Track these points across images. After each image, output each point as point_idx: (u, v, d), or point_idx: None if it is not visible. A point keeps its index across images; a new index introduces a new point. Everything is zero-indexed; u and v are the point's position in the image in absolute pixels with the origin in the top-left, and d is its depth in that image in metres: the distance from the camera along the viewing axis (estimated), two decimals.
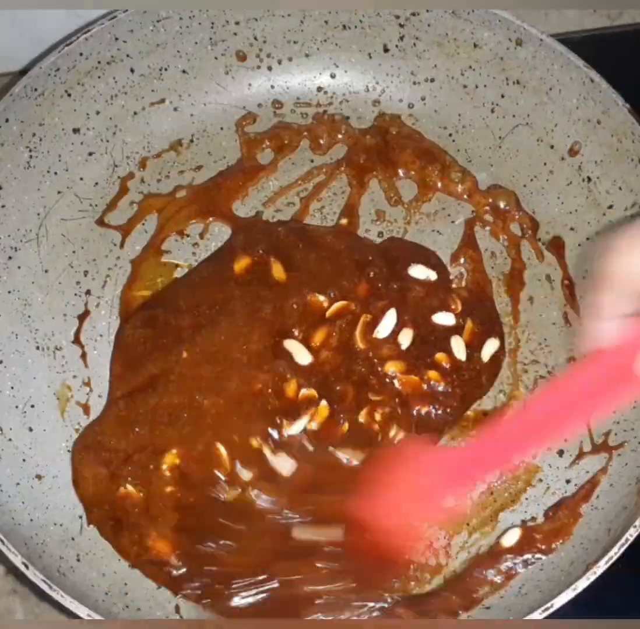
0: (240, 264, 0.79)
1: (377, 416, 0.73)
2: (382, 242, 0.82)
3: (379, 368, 0.75)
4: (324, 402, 0.73)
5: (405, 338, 0.76)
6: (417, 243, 0.82)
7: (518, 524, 0.72)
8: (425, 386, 0.75)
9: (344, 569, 0.69)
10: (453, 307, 0.78)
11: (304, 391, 0.74)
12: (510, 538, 0.72)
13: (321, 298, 0.78)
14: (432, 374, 0.75)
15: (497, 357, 0.78)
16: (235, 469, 0.72)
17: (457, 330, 0.77)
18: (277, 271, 0.79)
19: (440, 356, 0.76)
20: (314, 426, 0.73)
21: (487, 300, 0.80)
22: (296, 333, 0.76)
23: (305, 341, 0.76)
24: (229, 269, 0.79)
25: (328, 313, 0.77)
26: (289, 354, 0.75)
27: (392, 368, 0.75)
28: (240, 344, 0.76)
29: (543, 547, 0.71)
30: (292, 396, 0.74)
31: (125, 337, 0.78)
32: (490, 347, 0.77)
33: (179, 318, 0.77)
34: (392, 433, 0.73)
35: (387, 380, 0.75)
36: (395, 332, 0.76)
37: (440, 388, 0.75)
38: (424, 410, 0.74)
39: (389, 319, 0.77)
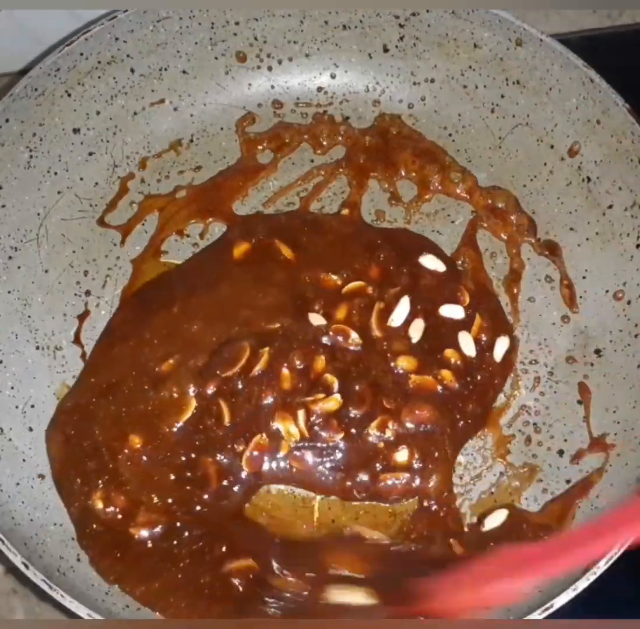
0: (240, 249, 0.79)
1: (388, 432, 0.73)
2: (389, 229, 0.83)
3: (392, 364, 0.75)
4: (338, 396, 0.73)
5: (416, 331, 0.76)
6: (423, 235, 0.82)
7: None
8: (439, 388, 0.74)
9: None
10: (461, 298, 0.78)
11: (327, 376, 0.73)
12: (496, 519, 0.72)
13: (334, 277, 0.78)
14: (445, 373, 0.75)
15: (508, 356, 0.77)
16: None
17: (465, 325, 0.77)
18: (285, 250, 0.79)
19: (449, 352, 0.75)
20: (317, 411, 0.72)
21: (492, 296, 0.80)
22: (317, 307, 0.76)
23: (327, 317, 0.76)
24: (228, 254, 0.79)
25: (344, 290, 0.77)
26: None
27: (404, 363, 0.74)
28: (251, 299, 0.75)
29: (531, 537, 0.70)
30: (319, 371, 0.73)
31: (113, 323, 0.78)
32: (501, 346, 0.77)
33: (171, 302, 0.78)
34: (398, 456, 0.72)
35: (401, 380, 0.74)
36: (407, 322, 0.76)
37: (456, 387, 0.74)
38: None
39: (403, 307, 0.76)
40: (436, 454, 0.72)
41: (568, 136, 0.81)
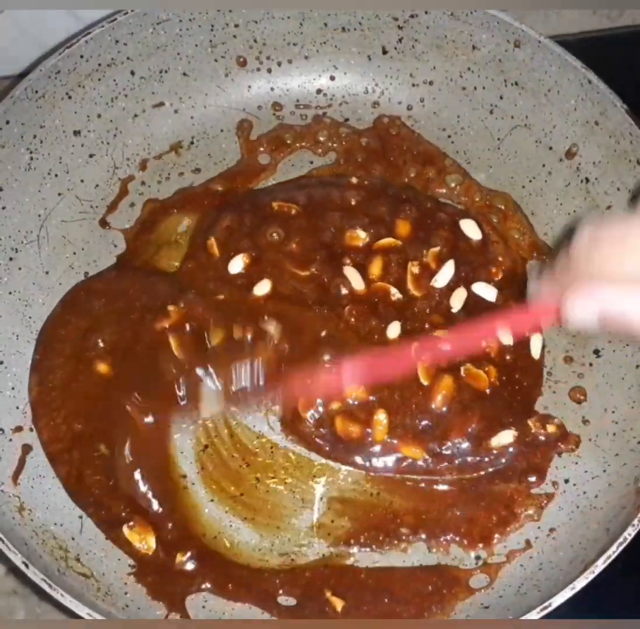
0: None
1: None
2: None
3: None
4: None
5: (458, 300, 0.75)
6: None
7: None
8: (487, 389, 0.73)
9: None
10: (494, 272, 0.78)
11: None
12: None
13: (361, 233, 0.77)
14: (492, 370, 0.73)
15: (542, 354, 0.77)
16: None
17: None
18: (291, 207, 0.78)
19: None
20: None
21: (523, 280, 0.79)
22: (348, 261, 0.75)
23: (361, 272, 0.75)
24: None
25: (375, 246, 0.76)
26: (348, 282, 0.74)
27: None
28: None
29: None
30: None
31: None
32: (537, 343, 0.77)
33: None
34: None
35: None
36: (449, 289, 0.76)
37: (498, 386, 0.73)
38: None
39: (448, 269, 0.76)
40: None
41: (567, 137, 0.81)
